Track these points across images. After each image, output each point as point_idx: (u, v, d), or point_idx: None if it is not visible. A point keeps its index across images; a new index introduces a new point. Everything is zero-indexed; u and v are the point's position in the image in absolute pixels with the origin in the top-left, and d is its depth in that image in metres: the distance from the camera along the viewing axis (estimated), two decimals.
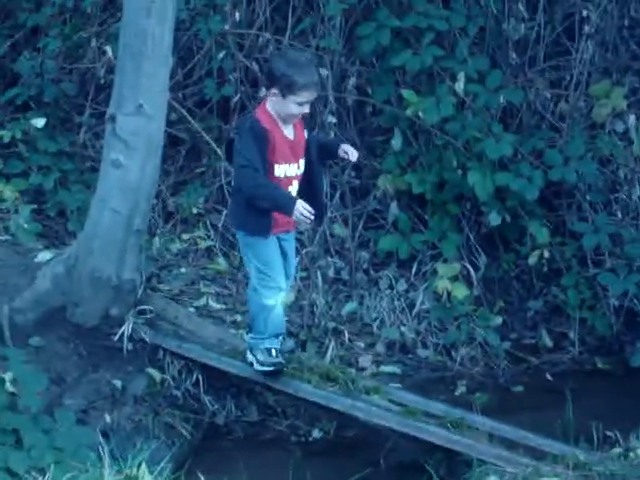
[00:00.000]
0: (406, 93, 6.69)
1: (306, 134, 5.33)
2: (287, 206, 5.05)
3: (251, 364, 5.47)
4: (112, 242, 5.70)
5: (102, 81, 7.07)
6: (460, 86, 6.61)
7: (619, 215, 6.77)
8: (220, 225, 6.88)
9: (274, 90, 5.14)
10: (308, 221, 5.08)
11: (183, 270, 6.63)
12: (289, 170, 5.22)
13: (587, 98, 6.82)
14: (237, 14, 6.92)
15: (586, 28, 6.76)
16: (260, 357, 5.42)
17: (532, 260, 6.73)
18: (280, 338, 5.47)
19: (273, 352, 5.43)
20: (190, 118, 6.97)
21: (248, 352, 5.49)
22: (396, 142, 6.81)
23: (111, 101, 5.68)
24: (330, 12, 6.83)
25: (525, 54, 6.90)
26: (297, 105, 5.12)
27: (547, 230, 6.70)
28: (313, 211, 5.04)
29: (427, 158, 6.79)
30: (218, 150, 6.89)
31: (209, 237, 6.88)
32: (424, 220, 6.86)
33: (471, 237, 6.84)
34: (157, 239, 6.80)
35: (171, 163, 7.15)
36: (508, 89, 6.74)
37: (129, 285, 5.76)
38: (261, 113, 5.21)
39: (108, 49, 6.96)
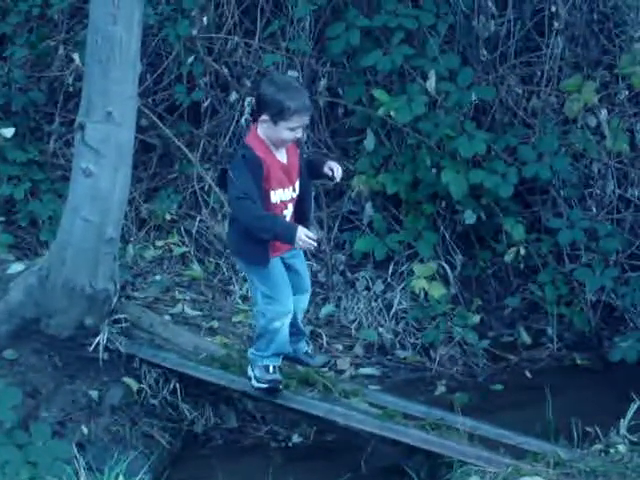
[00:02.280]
0: (377, 93, 6.66)
1: (298, 155, 5.23)
2: (288, 235, 4.97)
3: (249, 379, 5.39)
4: (85, 251, 5.64)
5: (71, 89, 7.02)
6: (431, 85, 6.59)
7: (594, 210, 6.76)
8: (194, 231, 6.84)
9: (264, 117, 4.99)
10: (312, 247, 5.02)
11: (158, 277, 6.59)
12: (284, 195, 5.12)
13: (559, 93, 6.81)
14: (205, 18, 6.89)
15: (555, 23, 6.76)
16: (257, 373, 5.34)
17: (508, 257, 6.72)
18: (281, 357, 5.38)
19: (271, 369, 5.33)
20: (161, 124, 6.92)
21: (249, 367, 5.41)
22: (369, 143, 6.79)
23: (80, 109, 5.61)
24: (299, 14, 6.81)
25: (496, 51, 6.88)
26: (289, 131, 4.98)
27: (522, 227, 6.68)
28: (315, 237, 4.98)
29: (400, 158, 6.77)
30: (190, 155, 6.85)
31: (183, 243, 6.84)
32: (399, 220, 6.84)
33: (447, 236, 6.82)
34: (131, 246, 6.75)
35: (143, 169, 7.11)
36: (480, 86, 6.72)
37: (103, 294, 5.71)
38: (253, 139, 5.07)
39: (76, 56, 6.90)
